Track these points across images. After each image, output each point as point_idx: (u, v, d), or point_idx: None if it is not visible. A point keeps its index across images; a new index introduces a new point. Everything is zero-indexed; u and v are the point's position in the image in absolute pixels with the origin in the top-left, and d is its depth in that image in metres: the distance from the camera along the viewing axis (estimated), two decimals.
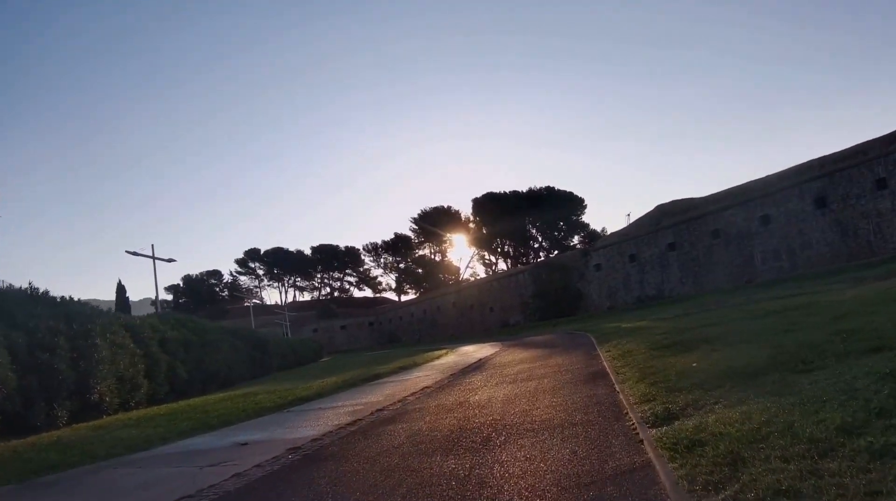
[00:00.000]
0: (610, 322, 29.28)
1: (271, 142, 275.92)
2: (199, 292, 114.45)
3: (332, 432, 8.95)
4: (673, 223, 48.98)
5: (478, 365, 18.18)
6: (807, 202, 38.11)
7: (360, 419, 9.85)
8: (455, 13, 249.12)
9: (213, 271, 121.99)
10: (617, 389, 8.73)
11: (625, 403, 7.44)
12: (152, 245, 38.70)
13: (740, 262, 42.59)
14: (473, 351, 27.15)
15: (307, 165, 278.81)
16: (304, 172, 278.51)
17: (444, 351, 30.18)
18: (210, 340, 26.85)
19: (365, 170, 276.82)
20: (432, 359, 24.24)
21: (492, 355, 22.45)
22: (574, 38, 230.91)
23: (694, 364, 8.86)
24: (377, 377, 18.47)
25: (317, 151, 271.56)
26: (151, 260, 38.35)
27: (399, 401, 11.68)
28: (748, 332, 11.67)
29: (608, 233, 73.08)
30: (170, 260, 40.82)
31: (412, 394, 12.58)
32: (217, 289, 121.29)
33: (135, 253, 37.57)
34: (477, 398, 10.48)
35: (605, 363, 12.42)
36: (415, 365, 21.96)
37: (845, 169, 36.18)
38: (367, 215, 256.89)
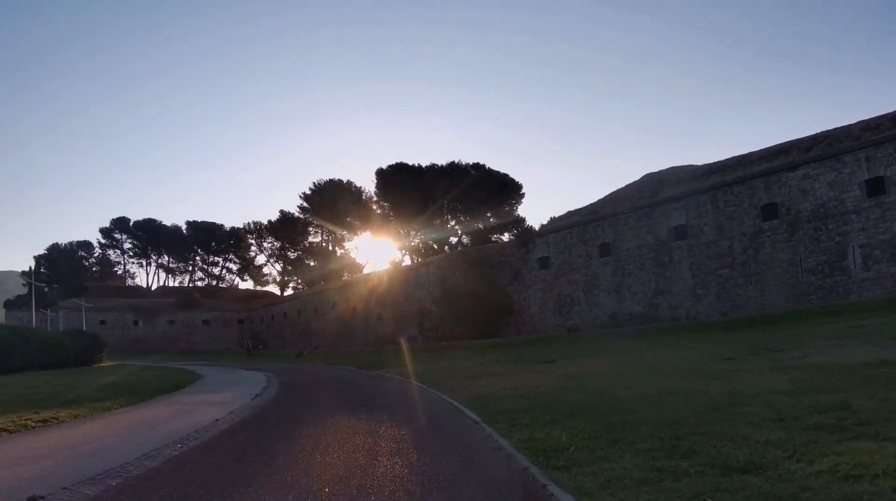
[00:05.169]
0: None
1: (164, 107, 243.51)
2: (61, 265, 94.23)
3: None
4: (684, 193, 29.67)
5: None
6: None
7: None
8: None
9: (84, 241, 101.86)
10: None
11: None
12: None
13: (815, 264, 23.64)
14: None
15: (209, 130, 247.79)
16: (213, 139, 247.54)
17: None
18: None
19: (263, 140, 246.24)
20: None
21: None
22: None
23: None
24: None
25: (216, 116, 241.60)
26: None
27: None
28: None
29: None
30: None
31: None
32: (86, 263, 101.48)
33: None
34: None
35: None
36: None
37: None
38: (265, 194, 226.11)
